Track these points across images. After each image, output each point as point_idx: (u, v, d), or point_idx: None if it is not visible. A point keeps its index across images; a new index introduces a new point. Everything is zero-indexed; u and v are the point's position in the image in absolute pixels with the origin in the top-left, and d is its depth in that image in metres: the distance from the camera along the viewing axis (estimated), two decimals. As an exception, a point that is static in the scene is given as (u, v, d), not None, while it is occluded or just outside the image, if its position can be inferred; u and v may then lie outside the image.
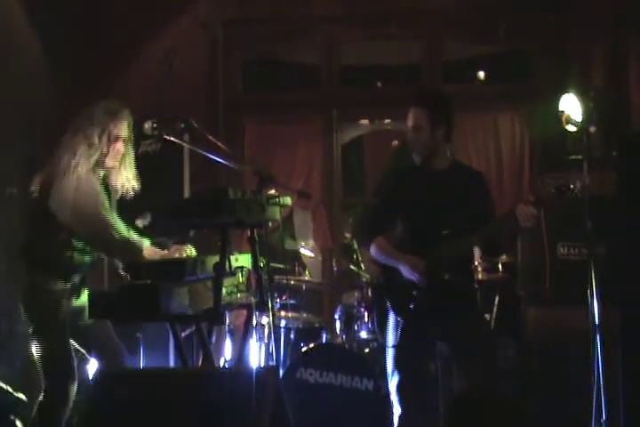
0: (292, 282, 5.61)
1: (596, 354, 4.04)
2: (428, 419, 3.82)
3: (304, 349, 5.04)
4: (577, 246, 4.93)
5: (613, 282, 4.15)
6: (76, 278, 3.96)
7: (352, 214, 6.60)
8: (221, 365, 5.19)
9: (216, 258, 3.63)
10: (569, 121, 4.64)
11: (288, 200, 3.96)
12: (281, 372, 4.76)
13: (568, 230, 4.85)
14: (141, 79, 6.30)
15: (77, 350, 4.03)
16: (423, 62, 6.49)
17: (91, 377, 3.93)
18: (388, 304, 4.00)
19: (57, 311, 3.88)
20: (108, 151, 3.96)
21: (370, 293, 5.19)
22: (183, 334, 3.95)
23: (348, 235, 6.28)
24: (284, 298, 5.51)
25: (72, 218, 3.83)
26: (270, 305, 3.76)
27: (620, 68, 5.90)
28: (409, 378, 3.92)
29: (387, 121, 7.14)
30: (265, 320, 5.14)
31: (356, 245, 5.75)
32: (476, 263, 5.25)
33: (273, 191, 3.94)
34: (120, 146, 4.01)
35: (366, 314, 5.16)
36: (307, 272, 6.07)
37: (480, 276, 5.35)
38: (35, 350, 3.91)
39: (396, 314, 3.96)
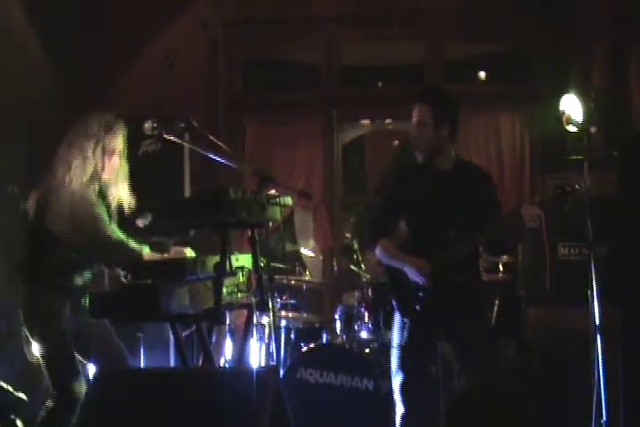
0: (293, 282, 5.61)
1: (597, 354, 4.04)
2: (430, 419, 3.83)
3: (304, 349, 5.04)
4: (577, 247, 4.94)
5: (614, 282, 4.15)
6: (77, 293, 3.94)
7: (353, 214, 6.60)
8: (222, 365, 5.19)
9: (216, 258, 3.64)
10: (569, 121, 4.63)
11: (288, 200, 3.96)
12: (281, 372, 4.77)
13: (568, 231, 4.85)
14: (142, 79, 6.29)
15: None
16: (424, 62, 6.49)
17: (91, 377, 3.93)
18: (394, 305, 4.00)
19: (58, 326, 3.88)
20: (103, 165, 3.95)
21: (370, 293, 5.19)
22: (183, 334, 3.95)
23: (348, 235, 6.28)
24: (284, 298, 5.51)
25: (71, 231, 3.82)
26: (271, 305, 3.77)
27: (620, 68, 5.89)
28: (412, 378, 3.93)
29: (387, 121, 7.14)
30: (265, 320, 5.14)
31: (356, 245, 5.74)
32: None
33: (273, 191, 3.94)
34: (116, 159, 4.00)
35: (366, 314, 5.16)
36: (307, 272, 6.07)
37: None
38: (39, 356, 3.91)
39: (402, 315, 3.95)
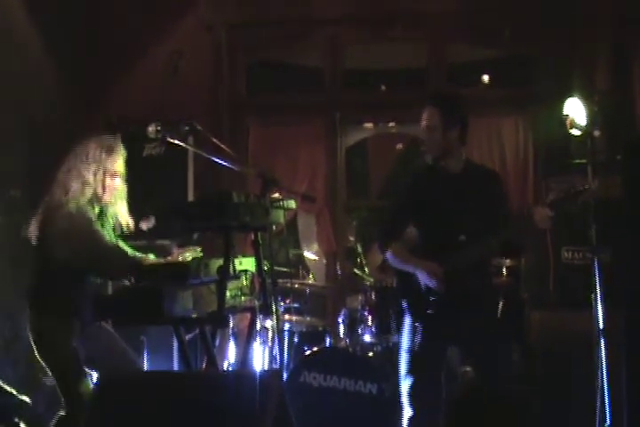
0: (296, 285, 5.60)
1: (600, 357, 4.03)
2: (436, 422, 3.82)
3: (307, 352, 5.03)
4: (581, 251, 4.93)
5: (618, 286, 4.14)
6: (83, 313, 3.90)
7: (356, 217, 6.58)
8: (225, 368, 5.19)
9: (220, 261, 3.63)
10: (573, 125, 4.62)
11: (292, 203, 3.96)
12: (284, 375, 4.76)
13: (572, 234, 4.85)
14: (145, 81, 6.31)
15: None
16: (427, 66, 6.49)
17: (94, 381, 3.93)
18: (405, 308, 4.00)
19: (66, 347, 3.85)
20: (104, 188, 3.93)
21: (374, 296, 5.19)
22: (187, 338, 3.94)
23: (351, 238, 6.27)
24: (287, 301, 5.50)
25: (70, 249, 3.79)
26: (274, 308, 3.76)
27: (624, 71, 5.89)
28: (422, 382, 3.93)
29: (391, 124, 7.14)
30: (269, 324, 5.13)
31: (359, 249, 5.74)
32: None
33: (277, 194, 3.94)
34: (117, 181, 3.98)
35: (370, 318, 5.15)
36: (310, 276, 6.06)
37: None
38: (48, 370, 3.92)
39: (414, 319, 3.95)
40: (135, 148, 4.16)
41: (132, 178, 4.11)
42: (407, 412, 3.98)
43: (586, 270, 4.29)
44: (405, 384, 3.97)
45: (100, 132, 4.12)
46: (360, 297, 5.30)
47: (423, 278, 3.87)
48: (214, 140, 4.02)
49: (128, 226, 4.09)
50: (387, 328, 5.07)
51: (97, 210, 3.98)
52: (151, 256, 3.93)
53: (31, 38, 5.83)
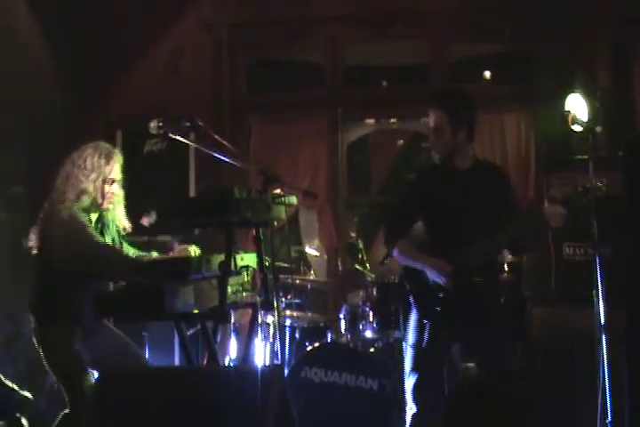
0: (297, 281, 5.61)
1: (602, 354, 4.03)
2: (439, 419, 3.83)
3: (309, 348, 5.04)
4: (582, 247, 4.93)
5: (619, 282, 4.14)
6: (86, 319, 3.90)
7: (357, 214, 6.59)
8: (226, 364, 5.19)
9: (221, 257, 3.64)
10: (575, 121, 4.63)
11: (293, 199, 3.95)
12: (286, 371, 4.76)
13: (574, 231, 4.84)
14: (146, 80, 6.31)
15: None
16: (429, 62, 6.49)
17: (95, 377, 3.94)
18: (413, 305, 3.99)
19: (69, 351, 3.86)
20: (103, 196, 3.93)
21: (375, 292, 5.19)
22: (188, 333, 3.95)
23: (353, 234, 6.27)
24: (289, 297, 5.51)
25: (70, 255, 3.78)
26: (275, 304, 3.76)
27: (624, 71, 5.88)
28: (426, 379, 3.94)
29: (392, 120, 7.14)
30: (270, 319, 5.13)
31: (361, 245, 5.74)
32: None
33: (278, 190, 3.94)
34: (115, 187, 3.98)
35: (371, 313, 5.16)
36: (312, 271, 6.07)
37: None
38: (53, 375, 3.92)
39: (422, 316, 3.94)
40: (137, 144, 4.15)
41: (134, 175, 4.11)
42: (411, 408, 3.98)
43: (587, 267, 4.29)
44: (410, 381, 3.97)
45: (96, 138, 4.11)
46: (361, 293, 5.30)
47: (432, 276, 3.87)
48: (216, 136, 4.02)
49: (125, 230, 4.10)
50: (388, 324, 5.07)
51: (96, 216, 3.98)
52: (154, 255, 3.93)
53: (31, 38, 5.84)
